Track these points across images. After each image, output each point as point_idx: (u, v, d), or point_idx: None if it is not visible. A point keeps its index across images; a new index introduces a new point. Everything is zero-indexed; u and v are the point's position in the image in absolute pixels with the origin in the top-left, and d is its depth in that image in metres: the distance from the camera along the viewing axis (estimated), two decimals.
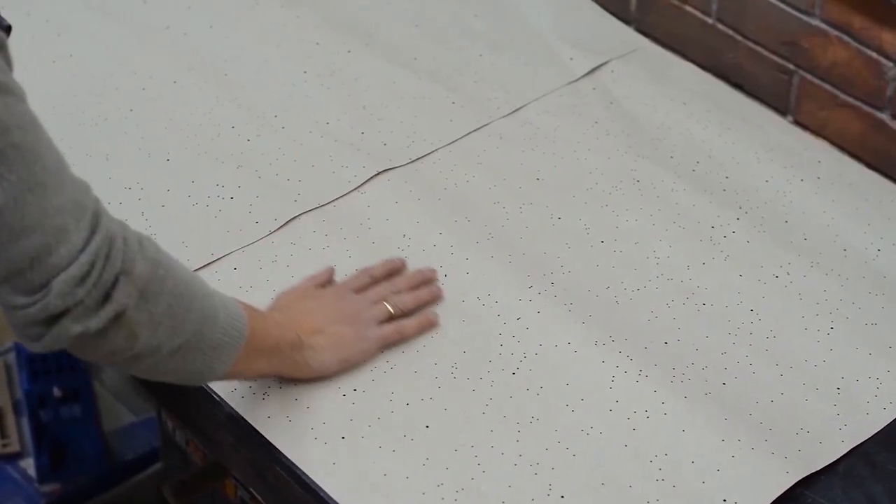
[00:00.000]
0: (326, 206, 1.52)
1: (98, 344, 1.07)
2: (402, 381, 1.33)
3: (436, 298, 1.40)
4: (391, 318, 1.36)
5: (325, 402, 1.30)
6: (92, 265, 1.03)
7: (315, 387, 1.31)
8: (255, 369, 1.25)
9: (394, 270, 1.42)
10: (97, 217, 1.05)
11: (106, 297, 1.05)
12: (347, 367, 1.32)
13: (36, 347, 1.06)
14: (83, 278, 1.03)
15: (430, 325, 1.37)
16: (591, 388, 1.33)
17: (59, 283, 1.02)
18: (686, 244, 1.49)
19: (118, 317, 1.06)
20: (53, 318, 1.04)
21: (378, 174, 1.55)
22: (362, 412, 1.30)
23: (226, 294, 1.20)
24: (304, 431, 1.28)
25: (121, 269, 1.05)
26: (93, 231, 1.04)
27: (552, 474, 1.25)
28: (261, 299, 1.35)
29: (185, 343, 1.13)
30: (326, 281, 1.40)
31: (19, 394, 2.09)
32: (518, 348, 1.36)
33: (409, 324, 1.36)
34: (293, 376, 1.30)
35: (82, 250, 1.03)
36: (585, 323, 1.39)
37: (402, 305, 1.37)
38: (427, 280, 1.41)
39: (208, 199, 1.51)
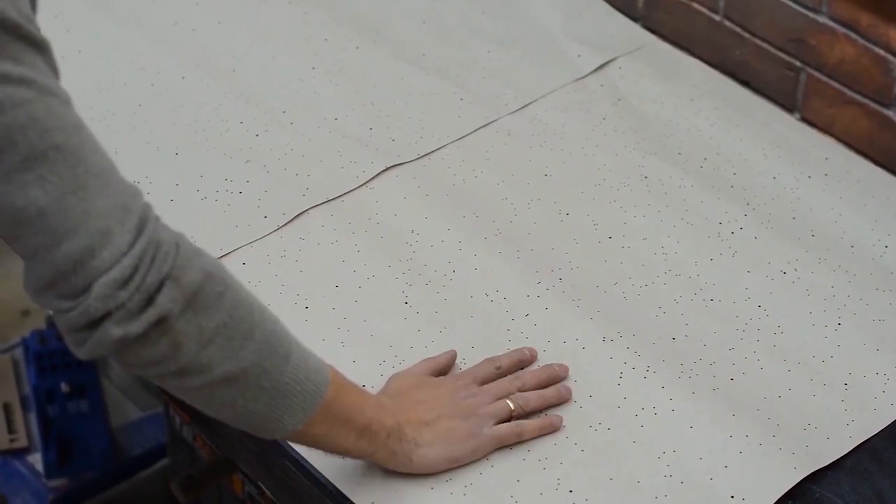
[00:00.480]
0: (335, 201, 1.52)
1: (140, 350, 1.03)
2: None
3: (563, 400, 1.30)
4: (511, 416, 1.27)
5: None
6: (135, 268, 1.00)
7: None
8: (339, 443, 1.17)
9: (522, 363, 1.33)
10: (144, 221, 1.02)
11: (149, 301, 1.01)
12: (455, 465, 1.24)
13: (80, 353, 1.03)
14: (126, 281, 1.00)
15: (552, 429, 1.28)
16: (599, 384, 1.33)
17: (99, 286, 1.00)
18: (694, 240, 1.49)
19: (160, 321, 1.02)
20: (95, 322, 1.01)
21: (386, 170, 1.55)
22: None
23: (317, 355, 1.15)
24: None
25: (167, 274, 1.02)
26: (138, 234, 1.01)
27: (560, 469, 1.25)
28: (269, 294, 1.35)
29: (242, 373, 1.07)
30: (445, 366, 1.32)
31: (27, 389, 2.10)
32: (526, 344, 1.36)
33: (529, 425, 1.27)
34: (390, 467, 1.22)
35: (126, 253, 1.00)
36: (593, 319, 1.39)
37: (524, 405, 1.28)
38: (555, 378, 1.32)
39: (217, 193, 1.51)
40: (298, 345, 1.12)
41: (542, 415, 1.29)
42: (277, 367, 1.09)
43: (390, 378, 1.29)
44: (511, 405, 1.26)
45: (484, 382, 1.29)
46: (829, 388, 1.34)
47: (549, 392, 1.30)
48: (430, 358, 1.32)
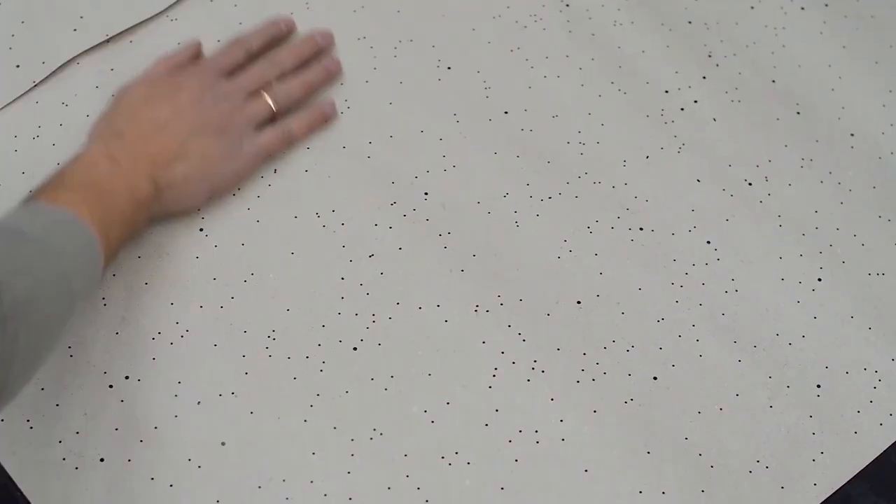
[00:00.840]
0: (117, 42, 1.06)
1: None
2: (199, 359, 0.93)
3: (331, 76, 1.04)
4: (274, 115, 1.00)
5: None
6: None
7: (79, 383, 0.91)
8: (114, 253, 0.91)
9: (276, 38, 1.05)
10: None
11: None
12: (217, 195, 0.98)
13: None
14: None
15: (325, 120, 1.02)
16: (464, 382, 0.93)
17: None
18: (624, 122, 1.04)
19: None
20: None
21: None
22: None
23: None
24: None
25: None
26: None
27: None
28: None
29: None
30: (185, 63, 1.02)
31: None
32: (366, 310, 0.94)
33: (297, 125, 1.01)
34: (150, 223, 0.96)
35: None
36: (465, 271, 0.96)
37: (287, 95, 1.01)
38: (318, 50, 1.05)
39: None
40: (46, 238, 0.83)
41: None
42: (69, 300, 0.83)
43: (117, 95, 0.99)
44: (270, 101, 1.01)
45: (232, 72, 1.01)
46: (795, 395, 0.93)
47: (313, 74, 1.04)
48: (165, 57, 1.02)
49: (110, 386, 0.90)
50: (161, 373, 0.91)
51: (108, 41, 1.05)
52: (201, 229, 0.97)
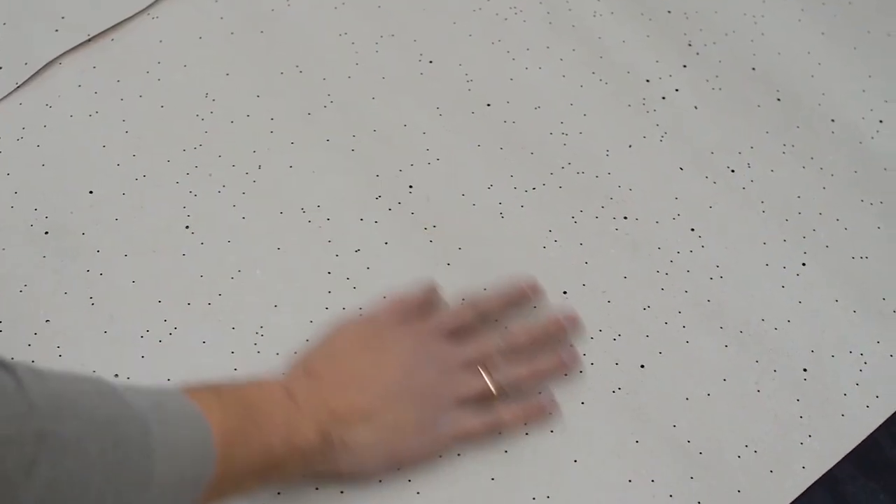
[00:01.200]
0: (98, 41, 1.06)
1: None
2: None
3: (563, 370, 0.92)
4: (488, 395, 0.89)
5: None
6: None
7: None
8: (246, 492, 0.80)
9: (511, 302, 0.94)
10: None
11: None
12: (399, 468, 0.88)
13: None
14: None
15: (541, 416, 0.90)
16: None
17: None
18: (607, 111, 1.04)
19: None
20: None
21: None
22: None
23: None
24: None
25: None
26: None
27: None
28: None
29: None
30: (419, 306, 0.91)
31: None
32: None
33: (511, 416, 0.89)
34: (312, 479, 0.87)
35: None
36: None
37: (507, 379, 0.89)
38: (559, 331, 0.93)
39: None
40: (158, 433, 0.71)
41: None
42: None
43: (332, 327, 0.89)
44: (489, 383, 0.88)
45: (455, 335, 0.89)
46: (781, 380, 0.93)
47: (544, 362, 0.91)
48: (396, 297, 0.91)
49: None
50: (150, 370, 0.91)
51: (89, 40, 1.05)
52: (187, 227, 0.97)
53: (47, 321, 0.92)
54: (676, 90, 1.05)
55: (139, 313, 0.93)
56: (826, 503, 0.90)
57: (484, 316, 0.92)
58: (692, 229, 0.99)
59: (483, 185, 1.00)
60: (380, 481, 0.86)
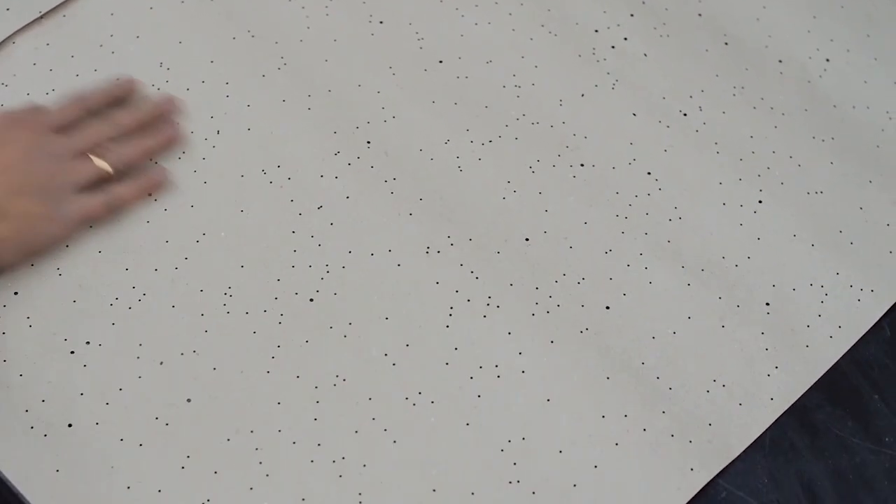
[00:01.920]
0: (51, 17, 1.06)
1: None
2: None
3: (169, 144, 0.99)
4: (103, 178, 0.96)
5: None
6: None
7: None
8: None
9: (119, 98, 1.00)
10: None
11: None
12: (34, 257, 0.94)
13: None
14: None
15: (156, 188, 0.98)
16: (408, 319, 0.94)
17: None
18: (559, 62, 1.05)
19: None
20: None
21: None
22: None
23: None
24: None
25: None
26: None
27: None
28: None
29: None
30: (23, 112, 0.97)
31: None
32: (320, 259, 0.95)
33: (127, 191, 0.96)
34: None
35: None
36: (413, 214, 0.98)
37: (119, 159, 0.97)
38: (162, 114, 1.00)
39: None
40: None
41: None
42: None
43: None
44: (101, 164, 0.96)
45: (66, 128, 0.96)
46: (745, 315, 0.95)
47: (152, 140, 0.99)
48: (5, 109, 0.97)
49: (72, 352, 0.91)
50: (121, 337, 0.91)
51: (41, 17, 1.05)
52: (149, 194, 0.97)
53: (15, 293, 0.92)
54: (625, 39, 1.07)
55: (107, 282, 0.94)
56: (796, 431, 0.92)
57: (92, 111, 0.98)
58: (648, 173, 1.00)
59: (440, 140, 1.01)
60: (31, 265, 0.93)
